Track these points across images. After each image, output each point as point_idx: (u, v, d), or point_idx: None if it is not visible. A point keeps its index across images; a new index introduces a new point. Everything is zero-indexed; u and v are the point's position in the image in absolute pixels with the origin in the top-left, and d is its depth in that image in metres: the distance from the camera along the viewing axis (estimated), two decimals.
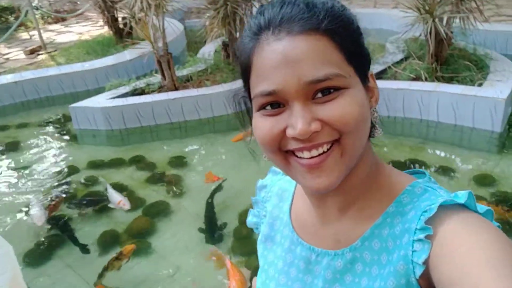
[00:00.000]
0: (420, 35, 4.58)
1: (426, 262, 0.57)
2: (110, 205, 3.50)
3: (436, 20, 4.28)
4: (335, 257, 0.69)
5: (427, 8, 4.37)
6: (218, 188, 3.58)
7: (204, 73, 5.47)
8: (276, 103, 0.61)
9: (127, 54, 6.71)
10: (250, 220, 0.90)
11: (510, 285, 0.47)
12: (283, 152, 0.63)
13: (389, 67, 4.83)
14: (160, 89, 5.12)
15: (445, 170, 3.59)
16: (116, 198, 3.53)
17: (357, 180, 0.67)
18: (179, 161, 4.19)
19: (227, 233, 3.12)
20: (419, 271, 0.57)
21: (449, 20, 4.48)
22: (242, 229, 3.12)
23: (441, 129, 4.17)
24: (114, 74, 6.04)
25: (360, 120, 0.60)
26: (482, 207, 0.60)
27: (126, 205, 3.44)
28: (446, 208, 0.58)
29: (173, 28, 7.56)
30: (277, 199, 0.83)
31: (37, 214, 3.35)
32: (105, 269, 2.77)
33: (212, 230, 3.10)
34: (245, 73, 0.65)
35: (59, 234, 3.29)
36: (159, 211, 3.46)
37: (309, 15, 0.59)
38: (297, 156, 0.62)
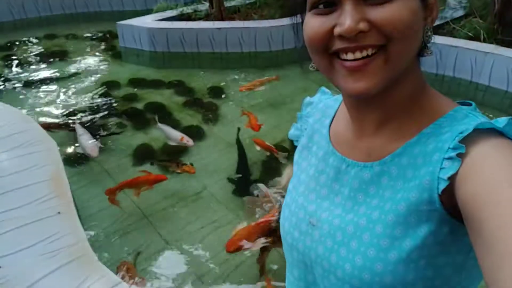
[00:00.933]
0: None
1: (452, 179, 0.57)
2: (171, 143, 3.34)
3: None
4: (364, 168, 0.70)
5: None
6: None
7: (252, 6, 5.36)
8: (329, 3, 0.60)
9: None
10: (292, 132, 0.92)
11: None
12: (328, 54, 0.63)
13: (447, 22, 4.57)
14: (207, 17, 5.08)
15: None
16: (177, 135, 3.36)
17: (399, 96, 0.66)
18: (217, 91, 4.23)
19: (256, 161, 3.19)
20: (442, 186, 0.58)
21: None
22: (271, 161, 3.18)
23: (491, 93, 3.99)
24: None
25: (410, 28, 0.58)
26: None
27: (190, 141, 3.26)
28: (483, 131, 0.58)
29: None
30: (320, 114, 0.85)
31: (90, 145, 3.24)
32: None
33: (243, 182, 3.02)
34: None
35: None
36: (193, 134, 3.54)
37: None
38: (341, 59, 0.62)
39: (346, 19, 0.58)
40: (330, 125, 0.81)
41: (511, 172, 0.51)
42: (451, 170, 0.57)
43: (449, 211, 0.59)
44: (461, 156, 0.57)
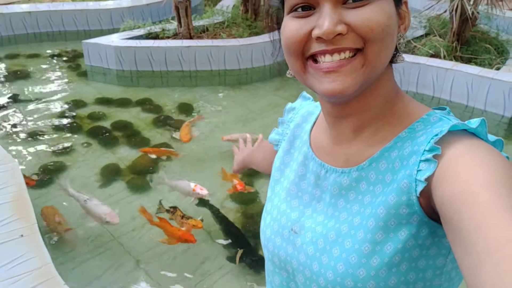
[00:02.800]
0: (445, 11, 4.49)
1: (428, 180, 0.57)
2: (184, 196, 2.87)
3: None
4: (342, 174, 0.70)
5: None
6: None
7: (220, 25, 5.40)
8: (307, 6, 0.61)
9: None
10: (273, 137, 0.92)
11: (507, 204, 0.48)
12: (304, 58, 0.64)
13: (409, 41, 4.76)
14: (175, 36, 5.07)
15: None
16: (188, 186, 2.85)
17: (374, 102, 0.67)
18: (186, 108, 4.20)
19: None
20: (420, 188, 0.58)
21: (476, 0, 4.38)
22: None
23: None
24: (129, 16, 5.97)
25: (386, 31, 0.60)
26: (492, 137, 0.61)
27: (204, 190, 2.79)
28: (457, 133, 0.59)
29: None
30: (301, 119, 0.85)
31: (108, 212, 2.66)
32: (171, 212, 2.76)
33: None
34: None
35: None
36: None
37: None
38: (316, 62, 0.63)
39: (324, 22, 0.58)
40: (311, 131, 0.81)
41: (485, 172, 0.52)
42: (427, 171, 0.57)
43: (428, 213, 0.60)
44: (437, 157, 0.58)
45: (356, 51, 0.61)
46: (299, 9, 0.62)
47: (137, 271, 2.40)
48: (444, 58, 4.33)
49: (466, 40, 4.52)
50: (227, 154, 3.49)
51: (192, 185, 2.85)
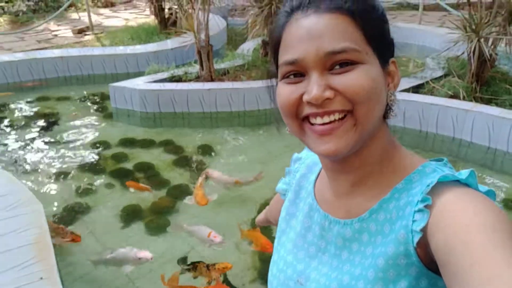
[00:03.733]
0: (463, 53, 4.52)
1: (424, 230, 0.60)
2: (200, 240, 2.91)
3: (482, 40, 4.21)
4: (344, 226, 0.73)
5: (473, 27, 4.31)
6: None
7: (241, 68, 5.57)
8: (298, 73, 0.67)
9: (169, 43, 6.90)
10: (280, 186, 0.96)
11: (501, 250, 0.50)
12: (299, 119, 0.69)
13: (427, 82, 4.77)
14: (197, 79, 5.24)
15: None
16: (204, 232, 2.92)
17: (370, 158, 0.71)
18: (206, 149, 4.28)
19: (245, 221, 3.17)
20: (416, 238, 0.61)
21: (495, 41, 4.40)
22: None
23: (473, 149, 4.10)
24: (154, 60, 6.22)
25: (372, 93, 0.64)
26: (483, 187, 0.63)
27: (218, 238, 2.83)
28: (448, 183, 0.62)
29: (216, 23, 7.73)
30: (306, 170, 0.88)
31: (142, 252, 2.74)
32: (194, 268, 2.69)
33: None
34: (275, 48, 0.72)
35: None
36: (182, 193, 3.54)
37: None
38: (311, 124, 0.68)
39: (313, 88, 0.64)
40: (315, 181, 0.84)
41: (474, 216, 0.55)
42: (422, 221, 0.60)
43: (426, 264, 0.61)
44: (429, 207, 0.60)
45: (347, 113, 0.65)
46: (291, 76, 0.68)
47: None
48: (464, 99, 4.32)
49: (485, 81, 4.51)
50: (246, 196, 3.52)
51: (208, 231, 2.87)
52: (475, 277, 0.49)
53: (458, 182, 0.62)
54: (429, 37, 7.40)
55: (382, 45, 0.69)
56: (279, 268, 0.81)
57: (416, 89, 4.70)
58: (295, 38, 0.66)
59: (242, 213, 3.29)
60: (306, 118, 0.68)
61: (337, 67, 0.64)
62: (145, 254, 2.70)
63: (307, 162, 0.90)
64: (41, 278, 1.95)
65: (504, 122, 3.91)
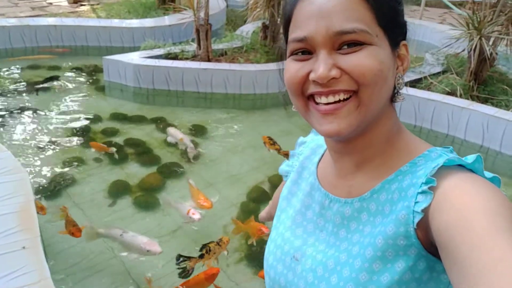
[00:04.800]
0: (463, 50, 4.50)
1: (425, 211, 0.59)
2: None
3: (483, 38, 4.19)
4: (344, 204, 0.73)
5: (476, 25, 4.28)
6: None
7: (239, 50, 5.48)
8: (306, 51, 0.67)
9: (167, 19, 6.76)
10: (283, 168, 0.96)
11: (504, 234, 0.50)
12: (305, 97, 0.69)
13: (425, 77, 4.75)
14: (194, 57, 5.15)
15: None
16: (184, 207, 2.85)
17: (375, 139, 0.71)
18: (199, 129, 4.22)
19: (235, 203, 3.15)
20: (417, 219, 0.60)
21: (496, 41, 4.38)
22: (249, 204, 3.14)
23: (466, 147, 4.10)
24: (151, 36, 6.09)
25: (378, 75, 0.64)
26: (489, 173, 0.63)
27: (196, 215, 2.72)
28: (453, 167, 0.62)
29: (217, 2, 7.59)
30: (310, 152, 0.89)
31: (148, 241, 2.54)
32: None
33: None
34: (286, 25, 0.71)
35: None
36: (171, 171, 3.50)
37: None
38: (315, 103, 0.67)
39: (319, 66, 0.64)
40: (318, 163, 0.85)
41: (479, 200, 0.55)
42: (424, 203, 0.60)
43: (426, 247, 0.61)
44: (432, 189, 0.60)
45: (352, 93, 0.65)
46: (299, 53, 0.68)
47: None
48: (461, 96, 4.31)
49: (483, 80, 4.50)
50: (237, 178, 3.49)
51: (187, 208, 2.78)
52: (477, 261, 0.49)
53: (463, 167, 0.62)
54: (429, 33, 7.36)
55: (394, 27, 0.68)
56: (276, 244, 0.82)
57: (413, 84, 4.68)
58: (305, 15, 0.66)
59: (232, 194, 3.26)
60: (311, 97, 0.68)
61: (345, 47, 0.64)
62: (155, 248, 2.48)
63: (311, 145, 0.91)
64: (24, 248, 1.90)
65: (499, 122, 3.91)
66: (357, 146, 0.71)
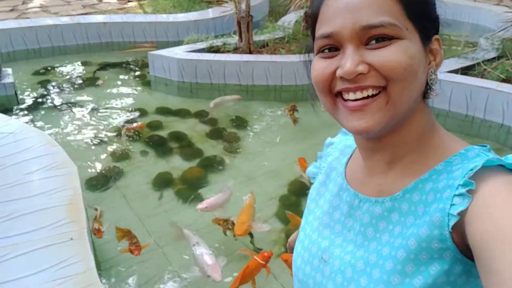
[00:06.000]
0: None
1: (462, 214, 0.57)
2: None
3: None
4: (375, 203, 0.71)
5: None
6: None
7: (280, 41, 5.44)
8: (333, 48, 0.65)
9: (210, 12, 6.83)
10: (311, 170, 0.95)
11: None
12: (333, 95, 0.67)
13: (478, 63, 4.48)
14: (235, 50, 5.17)
15: None
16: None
17: (407, 136, 0.69)
18: (240, 122, 4.25)
19: (274, 197, 3.15)
20: (452, 222, 0.58)
21: None
22: (290, 197, 3.13)
23: None
24: (195, 29, 6.19)
25: (409, 70, 0.62)
26: None
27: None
28: (493, 168, 0.59)
29: None
30: (339, 153, 0.87)
31: (212, 265, 2.37)
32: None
33: None
34: (313, 22, 0.70)
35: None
36: (213, 164, 3.56)
37: None
38: (344, 99, 0.66)
39: (346, 62, 0.62)
40: (347, 163, 0.83)
41: None
42: (461, 206, 0.58)
43: (462, 250, 0.59)
44: (471, 192, 0.57)
45: (381, 89, 0.63)
46: (326, 50, 0.66)
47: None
48: None
49: None
50: (277, 171, 3.48)
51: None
52: (509, 280, 0.47)
53: (503, 168, 0.59)
54: (484, 15, 6.92)
55: (424, 21, 0.66)
56: (304, 246, 0.81)
57: (465, 71, 4.43)
58: (332, 11, 0.64)
59: (272, 187, 3.26)
60: (339, 94, 0.66)
61: (373, 42, 0.62)
62: (217, 275, 2.30)
63: (339, 146, 0.89)
64: (71, 239, 2.01)
65: None
66: (388, 144, 0.69)
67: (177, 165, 3.56)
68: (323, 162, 0.92)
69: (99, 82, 5.12)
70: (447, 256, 0.60)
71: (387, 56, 0.61)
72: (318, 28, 0.67)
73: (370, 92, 0.63)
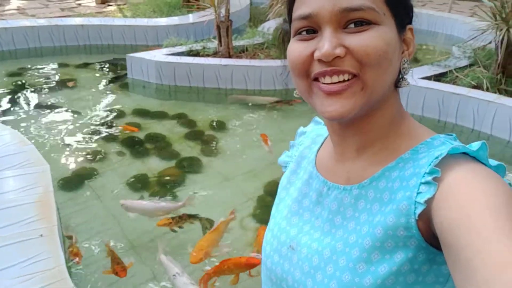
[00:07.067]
0: (490, 42, 4.34)
1: (428, 202, 0.57)
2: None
3: (511, 30, 4.03)
4: (343, 191, 0.71)
5: (503, 15, 4.13)
6: None
7: (260, 46, 5.49)
8: (311, 29, 0.64)
9: (191, 17, 6.84)
10: (282, 159, 0.95)
11: (507, 232, 0.48)
12: (309, 79, 0.66)
13: (451, 71, 4.62)
14: (215, 54, 5.19)
15: None
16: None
17: (378, 123, 0.69)
18: (219, 125, 4.26)
19: (252, 198, 3.16)
20: (419, 210, 0.58)
21: None
22: (265, 198, 3.14)
23: (492, 142, 3.96)
24: (174, 33, 6.18)
25: (383, 57, 0.62)
26: (493, 161, 0.61)
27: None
28: (458, 156, 0.59)
29: (239, 1, 7.62)
30: (310, 141, 0.88)
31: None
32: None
33: None
34: (290, 4, 0.69)
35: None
36: (190, 165, 3.55)
37: None
38: (320, 83, 0.65)
39: (324, 44, 0.62)
40: (317, 151, 0.83)
41: (484, 197, 0.52)
42: (427, 194, 0.58)
43: (427, 238, 0.60)
44: (437, 180, 0.58)
45: (355, 75, 0.63)
46: (304, 32, 0.65)
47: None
48: (487, 90, 4.16)
49: (511, 73, 4.33)
50: (254, 173, 3.50)
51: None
52: (481, 266, 0.47)
53: (467, 155, 0.60)
54: (457, 26, 7.14)
55: (401, 9, 0.66)
56: (273, 234, 0.80)
57: (438, 78, 4.56)
58: None
59: (249, 188, 3.27)
60: (316, 79, 0.66)
61: (352, 25, 0.62)
62: None
63: (311, 135, 0.89)
64: (41, 235, 1.97)
65: None
66: (360, 129, 0.69)
67: (153, 166, 3.53)
68: (294, 151, 0.91)
69: (70, 83, 5.04)
70: (412, 244, 0.60)
71: (364, 41, 0.61)
72: (295, 9, 0.66)
73: (346, 76, 0.63)
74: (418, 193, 0.59)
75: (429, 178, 0.58)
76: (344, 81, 0.63)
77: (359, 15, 0.61)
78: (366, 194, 0.68)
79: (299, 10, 0.65)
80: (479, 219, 0.50)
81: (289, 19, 0.70)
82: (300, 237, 0.74)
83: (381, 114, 0.69)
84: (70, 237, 2.60)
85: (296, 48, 0.66)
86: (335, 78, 0.63)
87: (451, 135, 0.69)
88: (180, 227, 2.73)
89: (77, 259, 2.42)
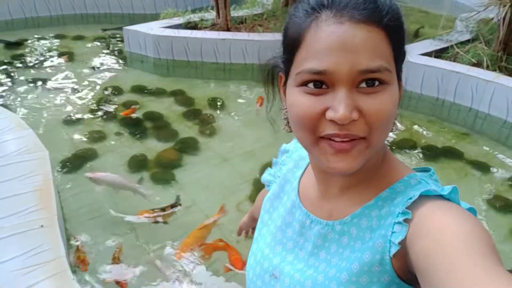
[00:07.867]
0: (492, 19, 4.25)
1: (402, 243, 0.60)
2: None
3: None
4: (326, 226, 0.74)
5: None
6: None
7: (259, 17, 5.39)
8: (319, 83, 0.61)
9: None
10: (265, 177, 0.96)
11: (479, 257, 0.50)
12: (316, 135, 0.64)
13: (452, 46, 4.55)
14: (213, 26, 5.11)
15: (482, 166, 3.45)
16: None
17: (365, 166, 0.69)
18: (217, 103, 4.26)
19: (249, 180, 3.21)
20: (394, 250, 0.61)
21: None
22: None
23: (489, 122, 3.97)
24: (172, 2, 6.05)
25: (391, 119, 0.63)
26: (465, 204, 0.63)
27: None
28: (429, 197, 0.62)
29: None
30: (293, 164, 0.88)
31: None
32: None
33: None
34: (292, 47, 0.65)
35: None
36: (188, 146, 3.58)
37: (374, 6, 0.60)
38: (330, 140, 0.64)
39: (340, 106, 0.59)
40: (300, 177, 0.84)
41: (454, 225, 0.55)
42: (400, 235, 0.60)
43: (400, 275, 0.62)
44: (407, 221, 0.60)
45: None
46: (310, 85, 0.62)
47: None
48: (487, 68, 4.12)
49: None
50: (251, 154, 3.54)
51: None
52: (452, 284, 0.49)
53: (440, 197, 0.62)
54: None
55: (402, 62, 0.66)
56: (256, 259, 0.83)
57: (439, 53, 4.50)
58: (324, 46, 0.60)
59: (246, 169, 3.32)
60: (326, 138, 0.64)
61: (364, 85, 0.60)
62: None
63: (294, 156, 0.89)
64: (41, 226, 2.04)
65: None
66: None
67: (152, 146, 3.57)
68: (277, 171, 0.93)
69: (66, 57, 5.00)
70: (385, 279, 0.63)
71: (379, 104, 0.61)
72: (303, 59, 0.62)
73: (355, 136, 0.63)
74: (392, 232, 0.62)
75: (401, 219, 0.61)
76: (353, 140, 0.63)
77: (375, 76, 0.60)
78: (349, 231, 0.70)
79: (311, 63, 0.61)
80: (449, 245, 0.52)
81: (288, 59, 0.67)
82: (283, 266, 0.77)
83: (369, 159, 0.69)
84: (75, 238, 2.59)
85: (305, 103, 0.62)
86: (345, 138, 0.62)
87: (428, 170, 0.72)
88: (165, 222, 2.79)
89: (84, 266, 2.41)
